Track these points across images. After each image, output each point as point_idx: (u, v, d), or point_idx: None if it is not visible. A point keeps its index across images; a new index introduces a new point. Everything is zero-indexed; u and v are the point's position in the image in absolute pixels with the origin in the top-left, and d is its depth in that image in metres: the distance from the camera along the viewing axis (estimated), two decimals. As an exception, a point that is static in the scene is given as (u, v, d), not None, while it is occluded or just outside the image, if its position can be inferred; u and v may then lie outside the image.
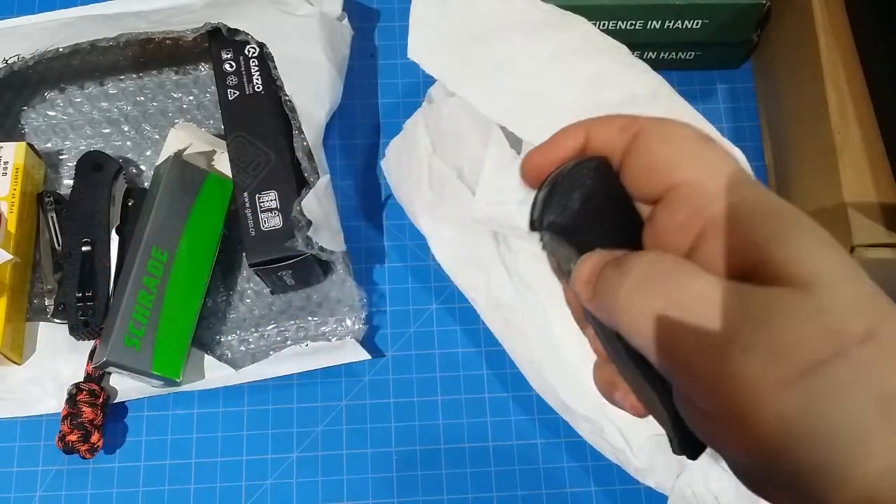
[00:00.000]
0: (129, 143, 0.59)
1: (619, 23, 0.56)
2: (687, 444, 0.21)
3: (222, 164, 0.55)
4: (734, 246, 0.20)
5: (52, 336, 0.53)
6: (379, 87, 0.62)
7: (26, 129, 0.59)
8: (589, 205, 0.24)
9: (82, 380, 0.51)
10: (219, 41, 0.55)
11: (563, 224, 0.24)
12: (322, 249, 0.50)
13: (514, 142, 0.48)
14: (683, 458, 0.47)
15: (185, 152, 0.54)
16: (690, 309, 0.19)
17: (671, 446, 0.22)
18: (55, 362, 0.53)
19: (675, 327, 0.19)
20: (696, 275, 0.20)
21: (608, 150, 0.24)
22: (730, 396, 0.18)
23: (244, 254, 0.54)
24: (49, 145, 0.58)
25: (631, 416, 0.25)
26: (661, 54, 0.60)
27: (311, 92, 0.53)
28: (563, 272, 0.24)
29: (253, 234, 0.50)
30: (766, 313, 0.18)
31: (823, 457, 0.17)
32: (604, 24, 0.56)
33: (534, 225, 0.25)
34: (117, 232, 0.54)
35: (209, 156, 0.56)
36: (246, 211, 0.51)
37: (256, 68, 0.54)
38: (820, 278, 0.19)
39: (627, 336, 0.20)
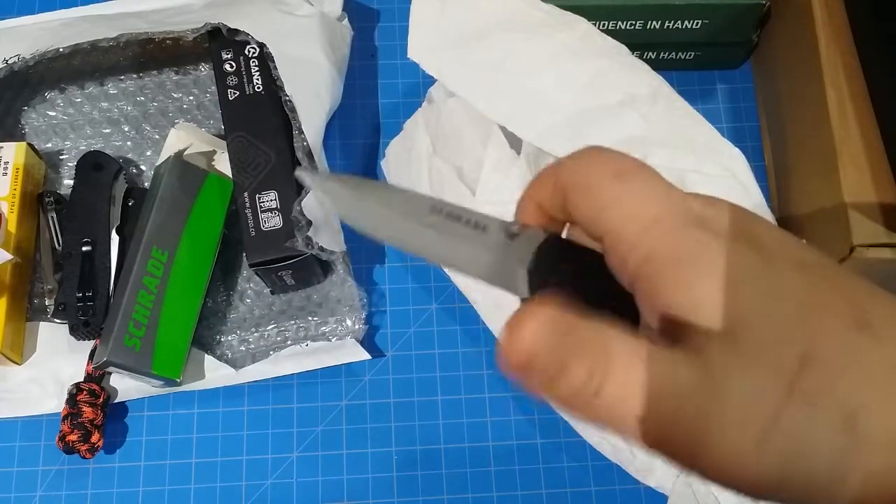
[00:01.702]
0: (129, 143, 0.59)
1: (619, 23, 0.56)
2: None
3: (222, 164, 0.55)
4: (654, 301, 0.20)
5: (53, 336, 0.53)
6: (379, 87, 0.62)
7: (26, 129, 0.59)
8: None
9: (82, 380, 0.51)
10: (219, 41, 0.55)
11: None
12: (322, 249, 0.50)
13: (514, 142, 0.48)
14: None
15: (185, 152, 0.54)
16: (638, 396, 0.19)
17: None
18: (55, 362, 0.53)
19: (634, 415, 0.19)
20: (624, 361, 0.19)
21: (558, 212, 0.23)
22: (711, 467, 0.18)
23: (244, 254, 0.54)
24: (49, 145, 0.58)
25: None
26: (661, 54, 0.60)
27: (311, 92, 0.53)
28: None
29: (253, 234, 0.50)
30: (705, 382, 0.18)
31: (812, 487, 0.18)
32: (604, 24, 0.56)
33: None
34: (117, 232, 0.54)
35: (209, 156, 0.56)
36: (246, 211, 0.51)
37: (256, 68, 0.54)
38: (738, 319, 0.18)
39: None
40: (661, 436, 0.19)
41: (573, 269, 0.23)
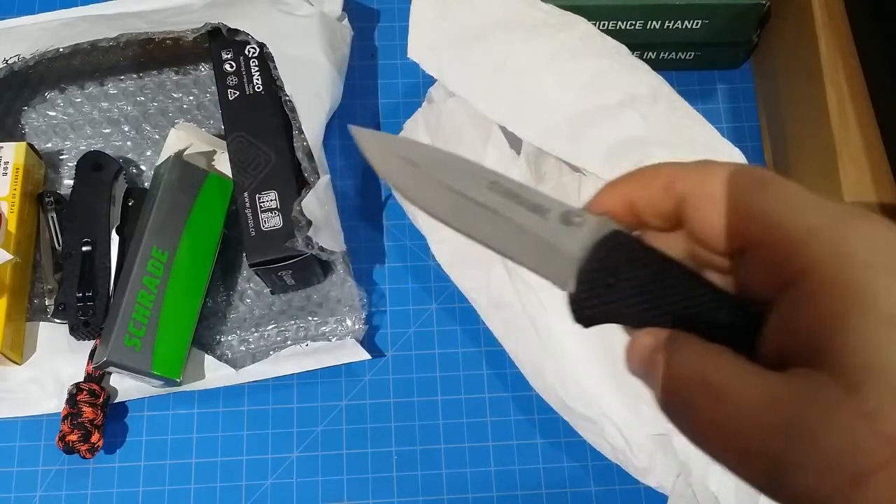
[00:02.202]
0: (129, 143, 0.59)
1: (619, 23, 0.56)
2: None
3: (222, 164, 0.55)
4: (797, 319, 0.19)
5: (53, 336, 0.53)
6: (379, 87, 0.62)
7: (26, 129, 0.59)
8: (622, 285, 0.22)
9: (82, 380, 0.51)
10: (219, 41, 0.55)
11: (608, 314, 0.22)
12: (322, 249, 0.50)
13: (514, 142, 0.48)
14: (683, 457, 0.47)
15: (185, 152, 0.54)
16: (737, 417, 0.19)
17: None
18: (55, 362, 0.53)
19: (724, 437, 0.19)
20: (737, 379, 0.19)
21: (655, 216, 0.22)
22: (786, 497, 0.18)
23: (244, 254, 0.54)
24: (49, 145, 0.58)
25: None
26: (661, 54, 0.60)
27: (311, 92, 0.53)
28: None
29: (253, 234, 0.50)
30: (812, 422, 0.18)
31: None
32: (604, 24, 0.56)
33: (583, 322, 0.23)
34: (117, 232, 0.54)
35: (209, 156, 0.56)
36: (246, 211, 0.51)
37: (256, 68, 0.54)
38: (872, 372, 0.17)
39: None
40: (739, 455, 0.19)
41: (635, 271, 0.22)
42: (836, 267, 0.18)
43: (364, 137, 0.25)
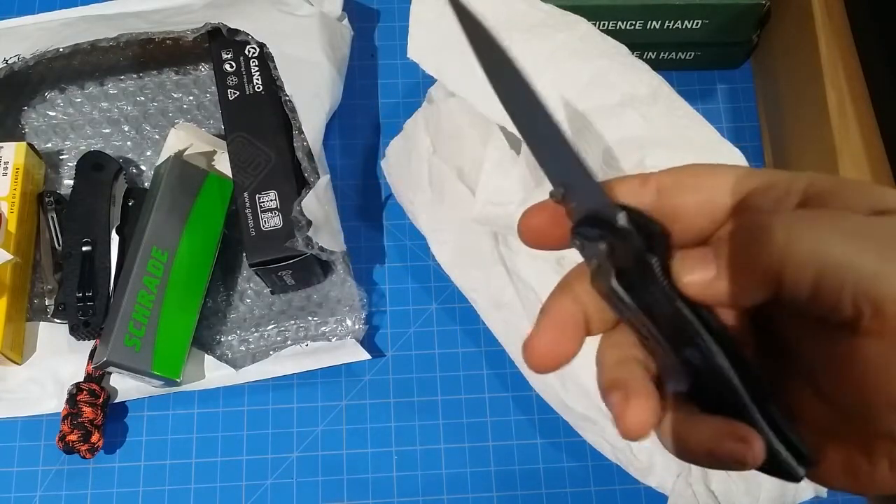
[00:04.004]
0: (129, 143, 0.59)
1: (619, 23, 0.56)
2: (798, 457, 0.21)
3: (222, 164, 0.55)
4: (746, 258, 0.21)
5: (53, 336, 0.53)
6: (379, 87, 0.62)
7: (26, 129, 0.59)
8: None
9: (82, 380, 0.51)
10: (219, 41, 0.55)
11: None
12: (322, 249, 0.50)
13: (514, 142, 0.48)
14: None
15: (185, 152, 0.54)
16: None
17: (784, 468, 0.21)
18: (55, 362, 0.53)
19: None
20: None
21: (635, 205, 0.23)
22: None
23: (244, 254, 0.54)
24: (49, 145, 0.58)
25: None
26: (661, 54, 0.60)
27: (311, 92, 0.53)
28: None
29: (253, 234, 0.50)
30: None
31: None
32: (604, 24, 0.56)
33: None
34: (117, 232, 0.54)
35: (209, 156, 0.56)
36: (246, 211, 0.51)
37: (256, 68, 0.54)
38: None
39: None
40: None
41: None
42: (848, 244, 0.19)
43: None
